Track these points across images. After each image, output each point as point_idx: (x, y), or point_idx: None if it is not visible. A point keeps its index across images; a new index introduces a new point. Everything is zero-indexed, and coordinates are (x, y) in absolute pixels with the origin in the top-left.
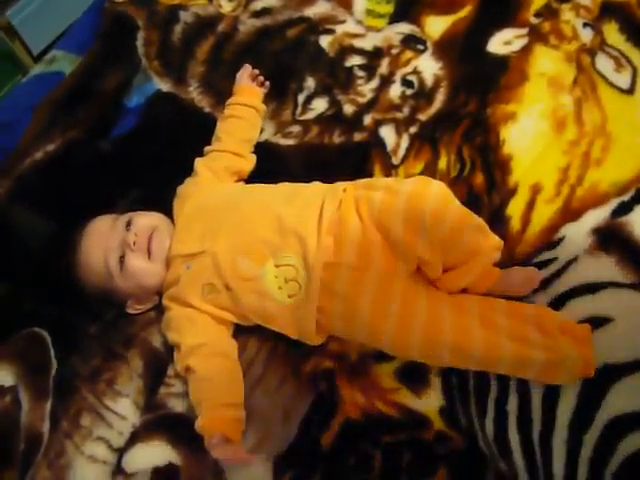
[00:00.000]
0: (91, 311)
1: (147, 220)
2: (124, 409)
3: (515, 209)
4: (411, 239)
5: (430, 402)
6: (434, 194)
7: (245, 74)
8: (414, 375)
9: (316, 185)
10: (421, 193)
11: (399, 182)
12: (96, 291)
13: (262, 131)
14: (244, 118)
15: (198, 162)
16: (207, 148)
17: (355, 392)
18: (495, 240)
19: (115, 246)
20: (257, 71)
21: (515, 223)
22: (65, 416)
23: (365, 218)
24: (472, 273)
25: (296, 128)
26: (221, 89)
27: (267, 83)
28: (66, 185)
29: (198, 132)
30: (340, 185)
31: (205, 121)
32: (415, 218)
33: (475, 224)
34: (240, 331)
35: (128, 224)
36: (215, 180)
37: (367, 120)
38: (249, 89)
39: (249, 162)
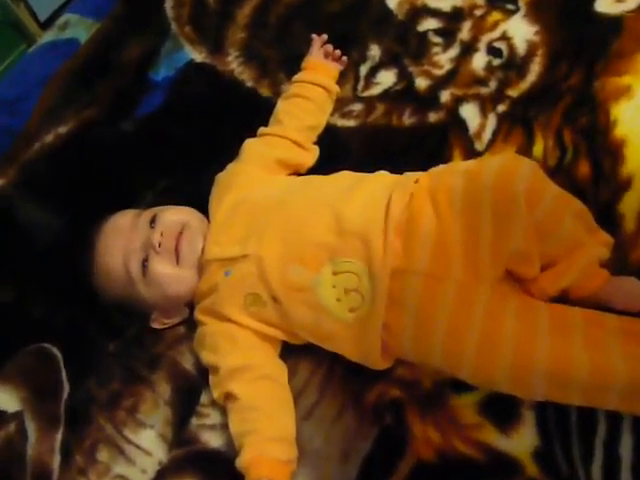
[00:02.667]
0: (110, 325)
1: (175, 216)
2: (148, 443)
3: (629, 206)
4: (502, 226)
5: (521, 442)
6: (527, 170)
7: (317, 46)
8: (501, 408)
9: (382, 176)
10: (511, 170)
11: (482, 162)
12: (115, 301)
13: None
14: (312, 100)
15: (248, 145)
16: (262, 130)
17: (428, 428)
18: (603, 235)
19: (137, 247)
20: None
21: (629, 223)
22: (79, 449)
23: (444, 213)
24: (575, 269)
25: (357, 106)
26: (266, 59)
27: (344, 59)
28: (81, 174)
29: (239, 110)
30: (411, 176)
31: (247, 97)
32: (506, 199)
33: (579, 209)
34: (289, 351)
35: (152, 221)
36: (264, 171)
37: (444, 97)
38: (321, 65)
39: (310, 155)
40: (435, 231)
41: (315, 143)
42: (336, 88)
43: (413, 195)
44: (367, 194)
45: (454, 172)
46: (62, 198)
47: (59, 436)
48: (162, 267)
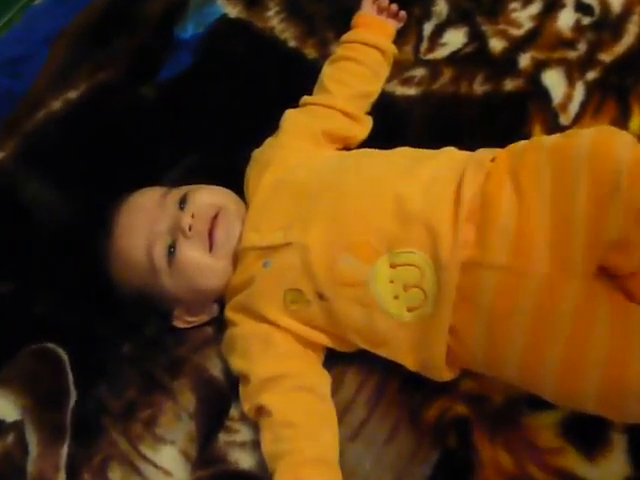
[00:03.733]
0: (125, 322)
1: (209, 197)
2: (168, 461)
3: None
4: (599, 210)
5: (610, 470)
6: (627, 145)
7: (369, 0)
8: (587, 430)
9: (450, 152)
10: (608, 145)
11: (571, 136)
12: (133, 294)
13: None
14: (364, 63)
15: (289, 116)
16: (306, 99)
17: (499, 451)
18: None
19: (163, 230)
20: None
21: None
22: (87, 466)
23: (527, 196)
24: None
25: (420, 71)
26: (311, 15)
27: (403, 14)
28: (94, 147)
29: (279, 75)
30: (486, 153)
31: (289, 59)
32: (604, 179)
33: None
34: (335, 359)
35: (182, 201)
36: (310, 145)
37: (524, 61)
38: (375, 22)
39: (363, 127)
40: (516, 217)
41: (368, 113)
42: (393, 49)
43: (489, 175)
44: (433, 173)
45: (539, 148)
46: (72, 175)
47: (64, 450)
48: (192, 254)
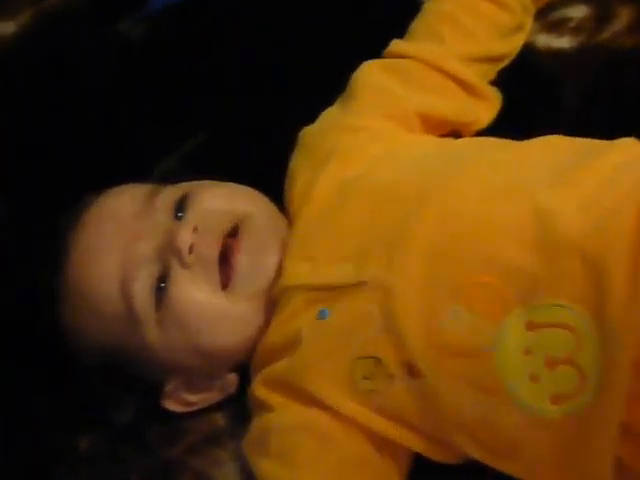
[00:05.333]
0: (83, 402)
1: (223, 200)
2: None
3: None
4: None
5: None
6: None
7: None
8: None
9: (629, 147)
10: None
11: None
12: (97, 356)
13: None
14: (506, 5)
15: (367, 75)
16: (398, 46)
17: None
18: None
19: (148, 253)
20: None
21: None
22: None
23: None
24: None
25: (580, 11)
26: None
27: None
28: (38, 119)
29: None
30: None
31: None
32: None
33: None
34: (427, 474)
35: (180, 207)
36: (396, 128)
37: None
38: None
39: (488, 107)
40: None
41: (492, 82)
42: None
43: None
44: (600, 180)
45: None
46: (6, 162)
47: None
48: (194, 293)
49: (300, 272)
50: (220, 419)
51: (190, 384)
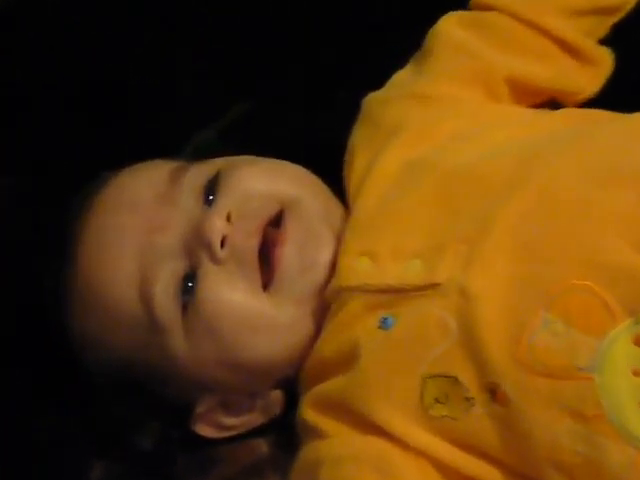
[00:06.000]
0: (96, 424)
1: (264, 181)
2: None
3: None
4: None
5: None
6: None
7: None
8: None
9: None
10: None
11: None
12: (112, 371)
13: None
14: None
15: (446, 32)
16: None
17: None
18: None
19: (172, 246)
20: None
21: None
22: None
23: None
24: None
25: None
26: None
27: None
28: (25, 87)
29: None
30: None
31: None
32: None
33: None
34: None
35: (211, 189)
36: (481, 97)
37: None
38: None
39: (597, 71)
40: None
41: (601, 42)
42: None
43: None
44: None
45: None
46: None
47: None
48: (229, 295)
49: (358, 270)
50: (262, 446)
51: (227, 404)
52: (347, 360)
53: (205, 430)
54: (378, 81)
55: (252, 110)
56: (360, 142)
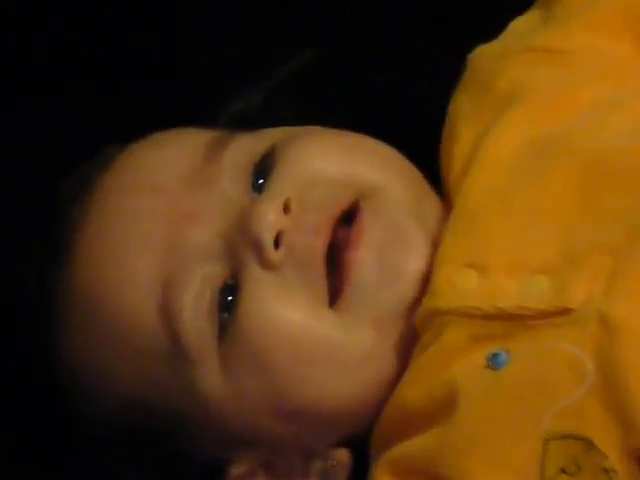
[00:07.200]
0: None
1: (335, 161)
2: None
3: None
4: None
5: None
6: None
7: None
8: None
9: None
10: None
11: None
12: (120, 417)
13: None
14: None
15: None
16: None
17: None
18: None
19: (207, 245)
20: None
21: None
22: None
23: None
24: None
25: None
26: None
27: None
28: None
29: None
30: None
31: None
32: None
33: None
34: None
35: (261, 170)
36: (630, 48)
37: None
38: None
39: None
40: None
41: None
42: None
43: None
44: None
45: None
46: None
47: None
48: (285, 313)
49: (461, 287)
50: None
51: (272, 466)
52: (440, 411)
53: None
54: (488, 31)
55: (314, 67)
56: (465, 112)
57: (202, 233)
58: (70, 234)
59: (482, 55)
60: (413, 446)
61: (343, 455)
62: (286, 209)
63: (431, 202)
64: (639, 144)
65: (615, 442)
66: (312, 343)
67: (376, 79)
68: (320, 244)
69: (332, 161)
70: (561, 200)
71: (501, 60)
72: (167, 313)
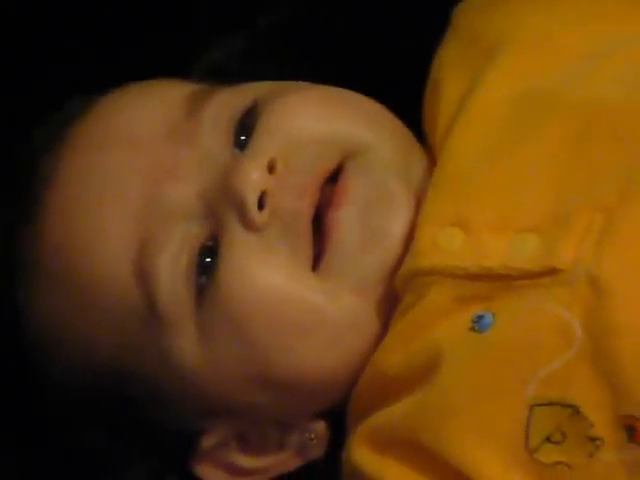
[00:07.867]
0: (67, 462)
1: (319, 117)
2: None
3: None
4: None
5: None
6: None
7: None
8: None
9: None
10: None
11: None
12: (91, 384)
13: None
14: None
15: None
16: None
17: None
18: None
19: (186, 204)
20: None
21: None
22: None
23: None
24: None
25: None
26: None
27: None
28: None
29: None
30: None
31: None
32: None
33: None
34: None
35: (243, 126)
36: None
37: None
38: None
39: None
40: None
41: None
42: None
43: None
44: None
45: None
46: None
47: None
48: (267, 276)
49: (445, 246)
50: None
51: (246, 438)
52: (421, 376)
53: (211, 474)
54: None
55: (295, 17)
56: (450, 64)
57: (182, 190)
58: (41, 188)
59: (468, 8)
60: (392, 413)
61: (320, 427)
62: (271, 169)
63: (419, 161)
64: (634, 95)
65: (604, 409)
66: (295, 309)
67: (362, 32)
68: (306, 206)
69: (317, 119)
70: (553, 156)
71: (487, 8)
72: (143, 275)
